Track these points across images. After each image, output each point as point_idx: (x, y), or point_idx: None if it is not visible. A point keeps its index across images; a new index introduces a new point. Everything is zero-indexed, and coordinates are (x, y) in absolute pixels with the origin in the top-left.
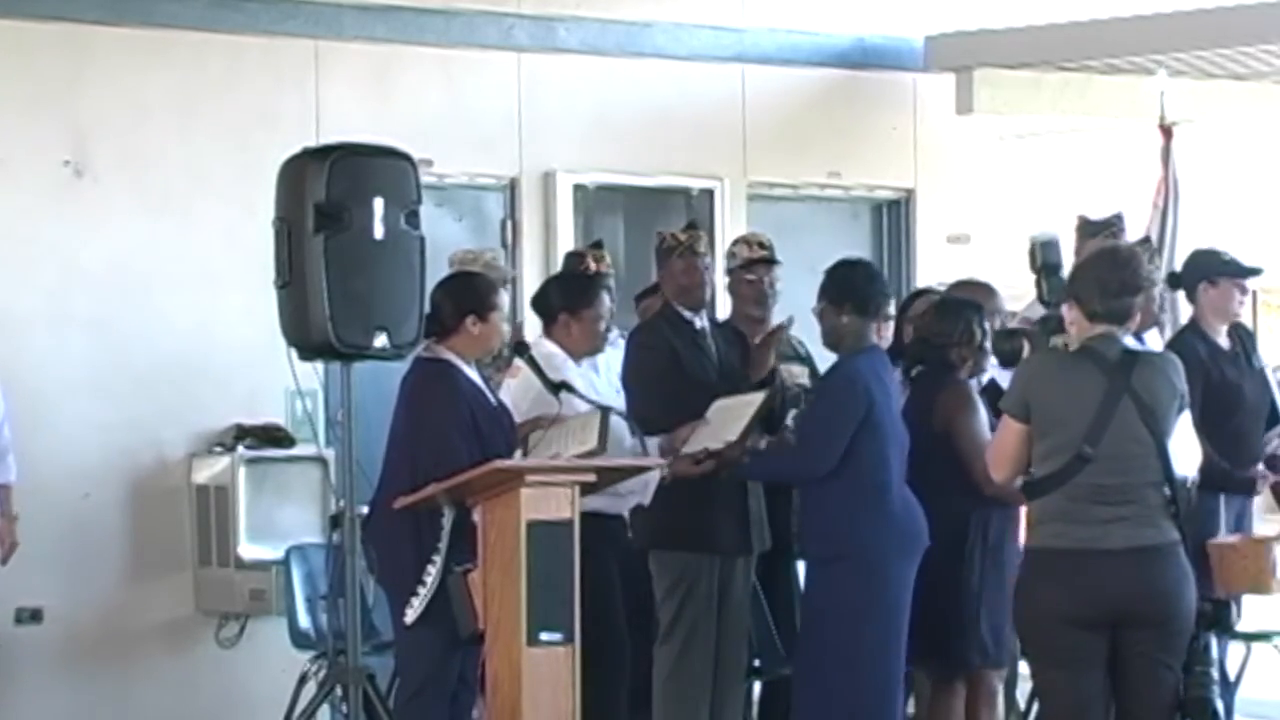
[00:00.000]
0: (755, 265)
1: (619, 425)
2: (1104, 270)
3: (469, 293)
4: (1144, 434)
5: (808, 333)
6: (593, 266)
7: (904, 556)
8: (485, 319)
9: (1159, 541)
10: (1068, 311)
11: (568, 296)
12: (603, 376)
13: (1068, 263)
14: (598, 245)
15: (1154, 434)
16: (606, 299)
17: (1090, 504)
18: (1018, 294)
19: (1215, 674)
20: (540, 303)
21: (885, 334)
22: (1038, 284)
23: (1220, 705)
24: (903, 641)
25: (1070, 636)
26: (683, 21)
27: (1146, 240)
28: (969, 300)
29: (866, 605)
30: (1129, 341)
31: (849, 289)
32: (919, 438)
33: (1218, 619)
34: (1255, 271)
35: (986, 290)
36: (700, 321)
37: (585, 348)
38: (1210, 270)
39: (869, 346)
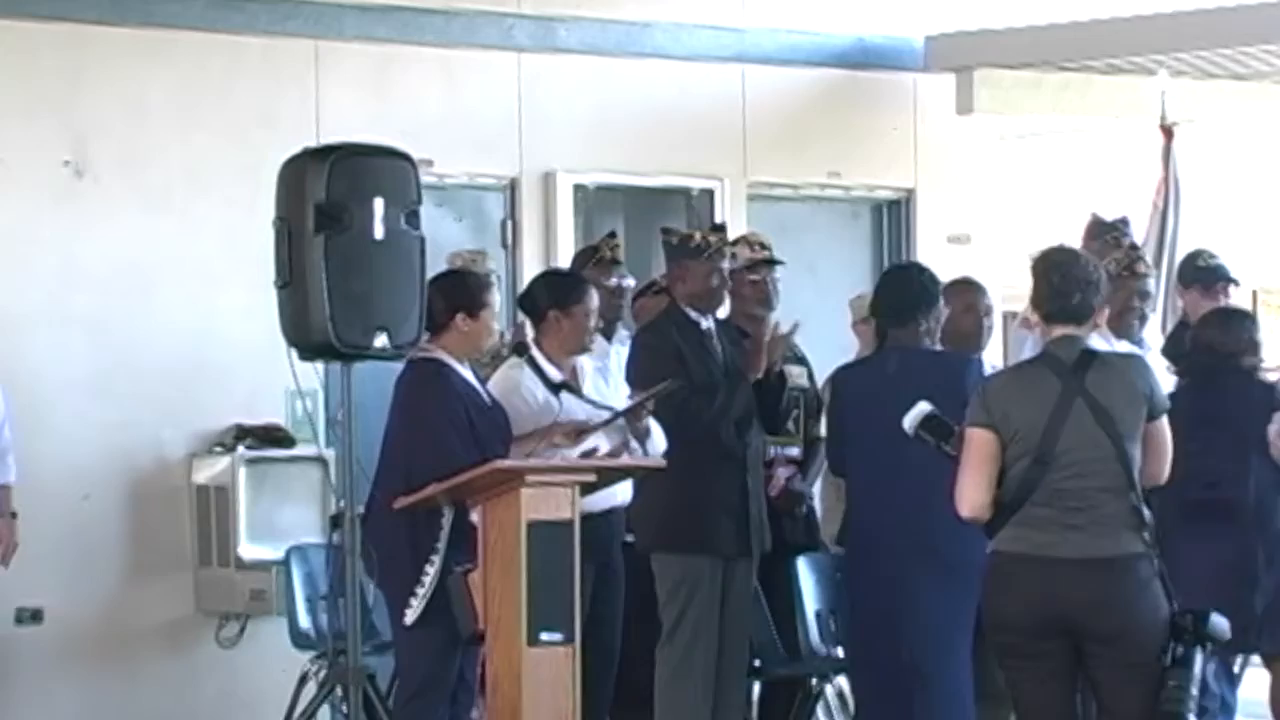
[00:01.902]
0: (758, 266)
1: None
2: (1039, 275)
3: (459, 290)
4: (1101, 437)
5: (805, 335)
6: (607, 255)
7: (868, 556)
8: (475, 316)
9: (1114, 553)
10: (1031, 315)
11: (556, 293)
12: (612, 375)
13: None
14: (611, 235)
15: (1111, 437)
16: (596, 296)
17: (1048, 509)
18: (1018, 294)
19: (1195, 690)
20: (528, 299)
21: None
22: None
23: None
24: (898, 636)
25: (1031, 644)
26: (683, 21)
27: (1135, 246)
28: (1241, 309)
29: (846, 601)
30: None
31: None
32: (1220, 440)
33: (1198, 632)
34: (1228, 280)
35: (976, 288)
36: (706, 323)
37: (574, 346)
38: (1184, 276)
39: (872, 351)
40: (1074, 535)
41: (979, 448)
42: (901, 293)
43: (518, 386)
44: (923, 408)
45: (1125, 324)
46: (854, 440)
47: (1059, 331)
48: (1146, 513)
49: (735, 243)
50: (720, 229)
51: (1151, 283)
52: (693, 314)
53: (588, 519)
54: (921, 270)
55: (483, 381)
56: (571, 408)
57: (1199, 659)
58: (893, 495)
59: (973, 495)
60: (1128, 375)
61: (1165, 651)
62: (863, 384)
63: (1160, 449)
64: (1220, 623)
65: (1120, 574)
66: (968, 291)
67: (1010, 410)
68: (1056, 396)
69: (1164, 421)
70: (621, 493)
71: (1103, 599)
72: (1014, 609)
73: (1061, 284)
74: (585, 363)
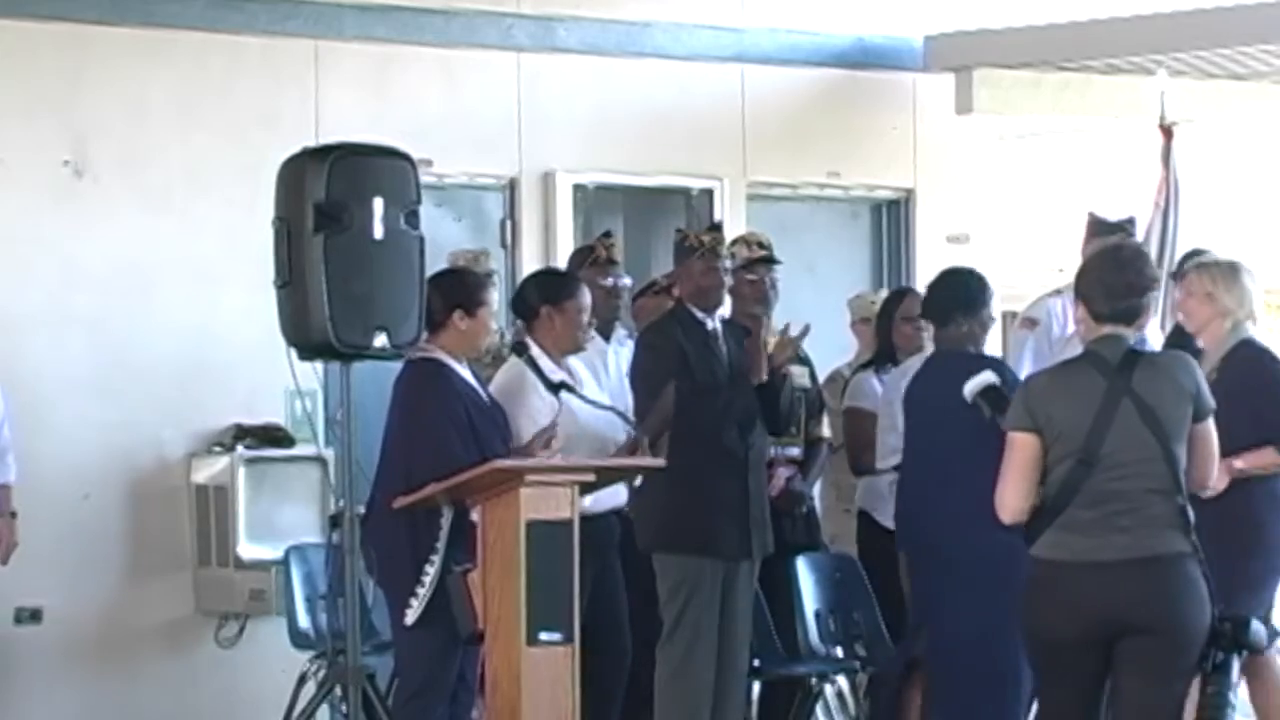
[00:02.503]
0: (755, 265)
1: (615, 424)
2: (1108, 271)
3: (457, 288)
4: (1147, 437)
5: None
6: (603, 255)
7: (903, 544)
8: (473, 314)
9: (1160, 552)
10: (1075, 310)
11: (548, 290)
12: (612, 376)
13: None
14: (607, 235)
15: (1158, 437)
16: (588, 293)
17: (1093, 511)
18: (1018, 294)
19: (1234, 698)
20: (519, 300)
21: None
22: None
23: None
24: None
25: (1070, 655)
26: (683, 21)
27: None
28: None
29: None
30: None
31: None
32: None
33: (1238, 639)
34: None
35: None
36: (712, 323)
37: (568, 343)
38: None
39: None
40: (1119, 538)
41: (1021, 451)
42: (946, 293)
43: (536, 385)
44: (987, 377)
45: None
46: (905, 441)
47: (1106, 330)
48: (1191, 514)
49: (734, 242)
50: (716, 227)
51: None
52: (698, 313)
53: (588, 520)
54: (972, 274)
55: (483, 381)
56: (571, 408)
57: (1235, 666)
58: (929, 494)
59: (1013, 502)
60: (1174, 374)
61: (1206, 658)
62: (911, 387)
63: (1206, 452)
64: (1260, 630)
65: (1167, 570)
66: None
67: (1053, 411)
68: (1102, 396)
69: (1210, 423)
70: (621, 493)
71: (1149, 595)
72: (1054, 619)
73: (1126, 290)
74: (576, 364)
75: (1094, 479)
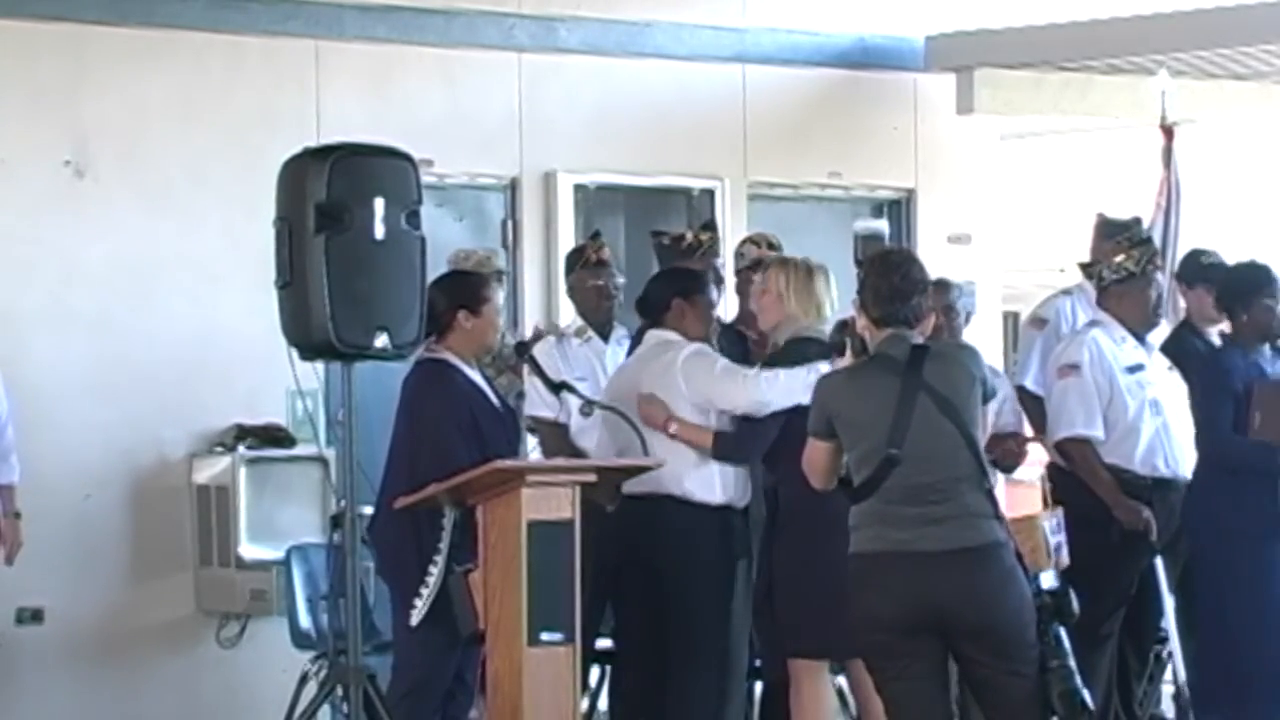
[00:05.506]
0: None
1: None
2: (876, 277)
3: (460, 288)
4: (947, 426)
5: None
6: (593, 257)
7: None
8: (477, 313)
9: (977, 543)
10: (859, 319)
11: (677, 285)
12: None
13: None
14: (595, 236)
15: (956, 424)
16: (715, 290)
17: (906, 505)
18: (1019, 294)
19: (1073, 663)
20: (646, 299)
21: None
22: (859, 279)
23: (1087, 694)
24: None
25: (903, 643)
26: (683, 21)
27: (1149, 241)
28: None
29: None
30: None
31: None
32: None
33: (1059, 610)
34: None
35: (943, 285)
36: None
37: (698, 334)
38: (1187, 275)
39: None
40: (935, 529)
41: (819, 455)
42: None
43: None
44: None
45: (1156, 318)
46: None
47: (889, 332)
48: (1000, 499)
49: (744, 241)
50: (710, 226)
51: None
52: None
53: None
54: None
55: (490, 382)
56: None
57: (1064, 637)
58: None
59: (820, 482)
60: (963, 362)
61: (1042, 635)
62: None
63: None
64: (1074, 597)
65: (987, 563)
66: (945, 292)
67: (849, 414)
68: (898, 394)
69: (989, 406)
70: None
71: (969, 590)
72: (884, 607)
73: (893, 293)
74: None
75: (906, 472)
